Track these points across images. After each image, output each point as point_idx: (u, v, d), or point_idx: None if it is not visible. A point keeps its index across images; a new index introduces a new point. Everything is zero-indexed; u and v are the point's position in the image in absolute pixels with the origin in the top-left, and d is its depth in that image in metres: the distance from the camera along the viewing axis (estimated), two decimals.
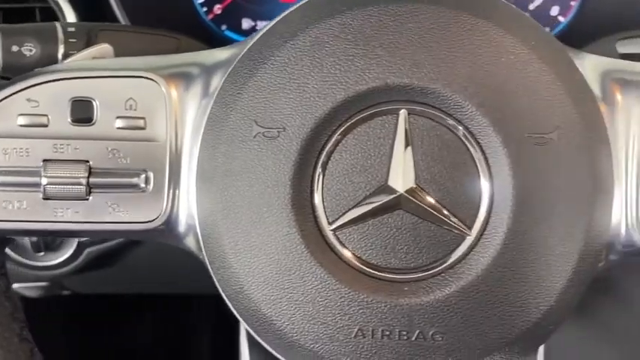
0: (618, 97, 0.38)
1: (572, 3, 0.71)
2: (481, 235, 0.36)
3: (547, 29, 0.72)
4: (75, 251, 0.68)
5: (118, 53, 0.45)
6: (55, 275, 0.70)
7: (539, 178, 0.35)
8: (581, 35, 0.58)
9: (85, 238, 0.66)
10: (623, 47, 0.51)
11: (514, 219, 0.35)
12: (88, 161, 0.38)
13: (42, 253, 0.68)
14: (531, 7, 0.71)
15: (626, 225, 0.38)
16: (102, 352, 0.94)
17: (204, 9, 0.71)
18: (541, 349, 0.41)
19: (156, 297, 0.87)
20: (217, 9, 0.72)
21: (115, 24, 0.54)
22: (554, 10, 0.71)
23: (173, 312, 0.93)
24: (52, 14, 0.62)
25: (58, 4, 0.62)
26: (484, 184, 0.36)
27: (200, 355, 0.93)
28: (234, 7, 0.72)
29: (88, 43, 0.49)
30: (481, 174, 0.36)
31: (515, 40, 0.36)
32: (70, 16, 0.62)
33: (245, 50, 0.38)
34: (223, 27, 0.72)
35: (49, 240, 0.67)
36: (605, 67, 0.39)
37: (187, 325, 0.92)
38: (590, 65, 0.38)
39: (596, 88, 0.38)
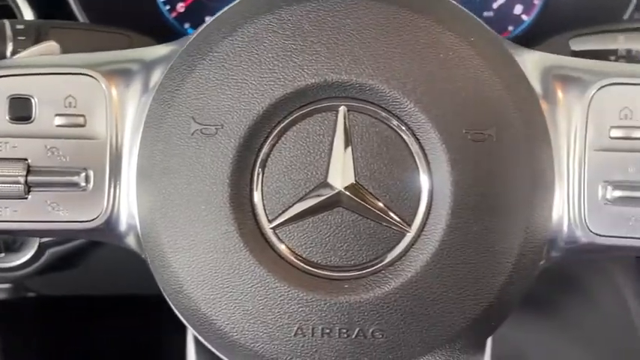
0: (560, 94, 0.38)
1: (536, 2, 0.71)
2: (421, 231, 0.36)
3: (511, 27, 0.72)
4: (36, 252, 0.68)
5: (68, 51, 0.45)
6: (17, 277, 0.69)
7: (478, 174, 0.35)
8: (544, 33, 0.58)
9: (45, 239, 0.66)
10: (576, 44, 0.51)
11: (453, 215, 0.35)
12: (26, 159, 0.37)
13: (2, 255, 0.67)
14: (495, 5, 0.72)
15: (569, 221, 0.38)
16: (73, 354, 0.93)
17: (168, 7, 0.71)
18: (488, 346, 0.41)
19: (127, 297, 0.86)
20: (180, 7, 0.71)
21: (66, 21, 0.54)
22: (518, 9, 0.72)
23: (144, 312, 0.92)
24: (9, 12, 0.62)
25: (15, 2, 0.61)
26: (423, 181, 0.36)
27: (172, 355, 0.92)
28: (197, 6, 0.71)
29: (37, 41, 0.48)
30: (420, 170, 0.36)
31: (455, 37, 0.36)
32: (28, 14, 0.62)
33: (184, 46, 0.37)
34: (186, 25, 0.71)
35: (10, 241, 0.67)
36: (547, 64, 0.39)
37: (159, 325, 0.92)
38: (532, 62, 0.38)
39: (537, 84, 0.38)
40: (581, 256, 0.40)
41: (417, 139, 0.36)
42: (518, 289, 0.37)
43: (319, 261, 0.36)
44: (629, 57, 0.49)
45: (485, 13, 0.72)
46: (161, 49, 0.40)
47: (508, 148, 0.35)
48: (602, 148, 0.38)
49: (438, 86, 0.35)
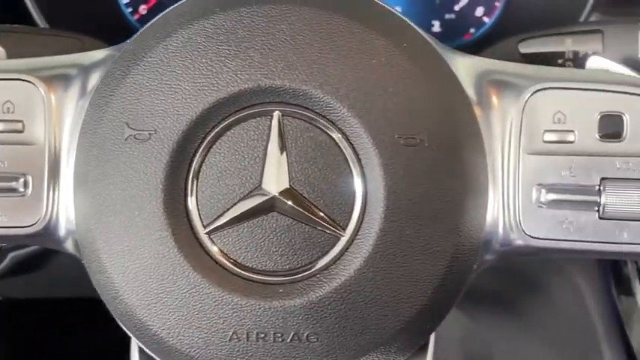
0: (494, 98, 0.38)
1: (497, 4, 0.72)
2: (355, 235, 0.36)
3: (472, 30, 0.73)
4: None
5: (15, 56, 0.44)
6: None
7: (411, 178, 0.35)
8: (505, 35, 0.59)
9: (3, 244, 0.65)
10: (525, 48, 0.51)
11: (386, 219, 0.35)
12: None
13: None
14: (456, 7, 0.72)
15: (504, 224, 0.38)
16: (43, 358, 0.93)
17: (130, 10, 0.71)
18: (431, 347, 0.42)
19: (92, 300, 0.85)
20: (143, 9, 0.71)
21: (15, 25, 0.53)
22: (479, 11, 0.72)
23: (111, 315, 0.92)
24: None
25: None
26: (357, 185, 0.36)
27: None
28: (160, 8, 0.71)
29: None
30: (354, 175, 0.36)
31: (388, 42, 0.36)
32: None
33: (121, 51, 0.37)
34: None
35: None
36: (481, 69, 0.39)
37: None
38: (466, 67, 0.39)
39: (470, 89, 0.38)
40: (517, 259, 0.40)
41: (351, 144, 0.36)
42: (452, 291, 0.37)
43: (254, 266, 0.36)
44: (576, 59, 0.49)
45: (447, 15, 0.72)
46: (100, 54, 0.40)
47: (440, 153, 0.36)
48: (536, 152, 0.38)
49: (370, 91, 0.35)
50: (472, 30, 0.73)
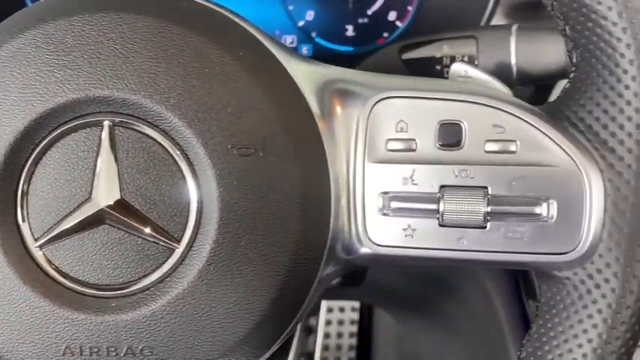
0: (338, 108, 0.38)
1: (409, 8, 0.72)
2: (190, 247, 0.35)
3: (386, 34, 0.73)
4: None
5: None
6: None
7: (246, 188, 0.35)
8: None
9: None
10: (406, 54, 0.51)
11: (220, 230, 0.35)
12: None
13: None
14: (369, 12, 0.72)
15: (350, 233, 0.38)
16: None
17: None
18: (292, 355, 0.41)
19: None
20: None
21: None
22: (392, 15, 0.72)
23: None
24: None
25: None
26: (192, 196, 0.35)
27: None
28: None
29: None
30: (188, 186, 0.35)
31: (222, 51, 0.35)
32: None
33: None
34: None
35: None
36: (325, 78, 0.39)
37: None
38: (308, 76, 0.38)
39: (312, 99, 0.38)
40: (364, 267, 0.40)
41: (185, 155, 0.35)
42: (294, 301, 0.37)
43: (86, 279, 0.35)
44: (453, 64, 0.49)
45: (360, 20, 0.72)
46: None
47: (276, 163, 0.35)
48: (380, 161, 0.38)
49: (203, 101, 0.35)
50: (385, 34, 0.73)
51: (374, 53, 0.53)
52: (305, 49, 0.73)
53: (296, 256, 0.36)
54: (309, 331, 1.18)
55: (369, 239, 0.38)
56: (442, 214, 0.37)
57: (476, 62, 0.48)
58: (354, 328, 1.15)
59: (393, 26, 0.72)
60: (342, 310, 1.16)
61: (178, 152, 0.35)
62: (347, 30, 0.73)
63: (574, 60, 0.37)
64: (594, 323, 0.36)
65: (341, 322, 1.16)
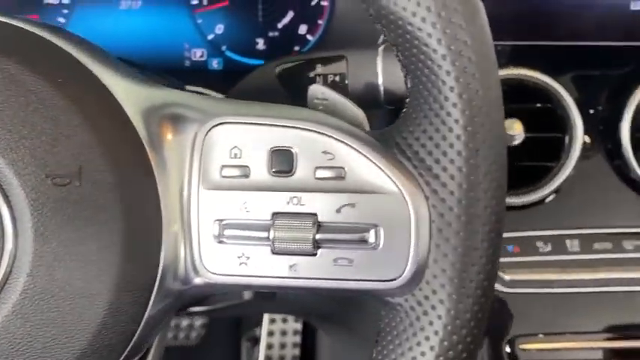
0: (169, 134, 0.37)
1: (320, 22, 0.71)
2: (6, 281, 0.34)
3: (297, 47, 0.72)
4: None
5: None
6: None
7: (62, 219, 0.34)
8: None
9: None
10: (281, 73, 0.50)
11: (34, 262, 0.34)
12: None
13: None
14: (279, 25, 0.71)
15: (184, 262, 0.37)
16: None
17: None
18: None
19: None
20: None
21: None
22: (303, 29, 0.71)
23: None
24: None
25: None
26: (7, 227, 0.34)
27: None
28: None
29: None
30: (3, 216, 0.34)
31: (38, 78, 0.35)
32: None
33: None
34: None
35: None
36: (157, 102, 0.38)
37: None
38: (139, 100, 0.37)
39: (141, 124, 0.37)
40: (202, 296, 0.39)
41: (1, 186, 0.34)
42: (120, 340, 0.36)
43: None
44: (326, 84, 0.49)
45: (271, 33, 0.71)
46: None
47: (95, 193, 0.34)
48: (214, 187, 0.37)
49: (16, 130, 0.34)
50: (297, 48, 0.72)
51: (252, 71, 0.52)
52: (215, 63, 0.72)
53: (118, 288, 0.35)
54: (256, 341, 1.18)
55: (205, 268, 0.37)
56: (273, 242, 0.36)
57: (346, 82, 0.47)
58: (297, 339, 1.14)
59: (304, 40, 0.71)
60: (284, 320, 1.15)
61: None
62: (257, 43, 0.72)
63: (408, 85, 0.36)
64: (431, 345, 0.35)
65: (284, 333, 1.16)
